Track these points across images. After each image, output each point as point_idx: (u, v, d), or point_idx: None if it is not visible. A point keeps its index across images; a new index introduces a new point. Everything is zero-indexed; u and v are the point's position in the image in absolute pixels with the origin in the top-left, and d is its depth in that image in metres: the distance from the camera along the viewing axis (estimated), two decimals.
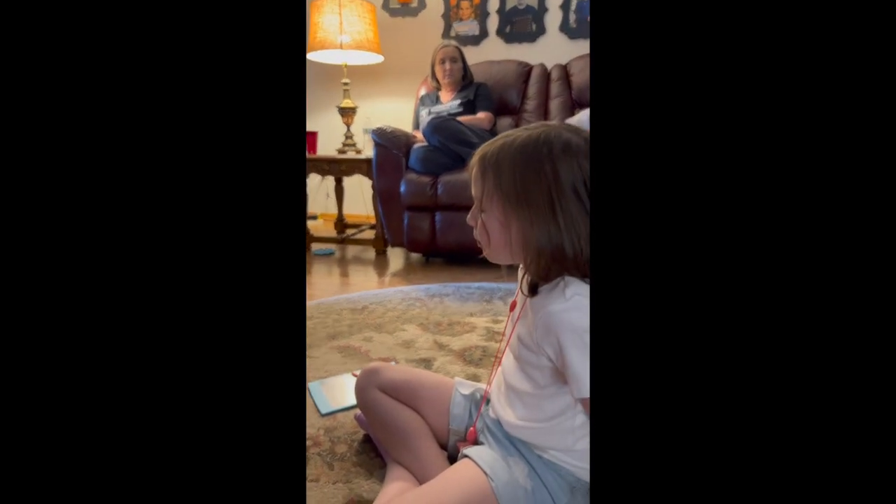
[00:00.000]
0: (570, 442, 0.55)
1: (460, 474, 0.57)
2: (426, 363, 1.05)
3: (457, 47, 2.16)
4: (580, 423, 0.54)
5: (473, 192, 0.57)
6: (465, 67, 2.18)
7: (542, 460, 0.56)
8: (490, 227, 0.55)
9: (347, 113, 2.39)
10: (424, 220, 1.93)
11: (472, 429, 0.64)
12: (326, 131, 2.80)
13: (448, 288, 1.64)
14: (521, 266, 0.58)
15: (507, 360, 0.61)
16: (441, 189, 1.87)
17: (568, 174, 0.51)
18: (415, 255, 2.21)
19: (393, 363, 0.98)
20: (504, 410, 0.59)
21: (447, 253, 2.05)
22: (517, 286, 0.59)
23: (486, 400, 0.65)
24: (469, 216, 0.58)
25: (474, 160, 0.57)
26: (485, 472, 0.55)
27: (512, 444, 0.58)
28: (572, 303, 0.50)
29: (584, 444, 0.55)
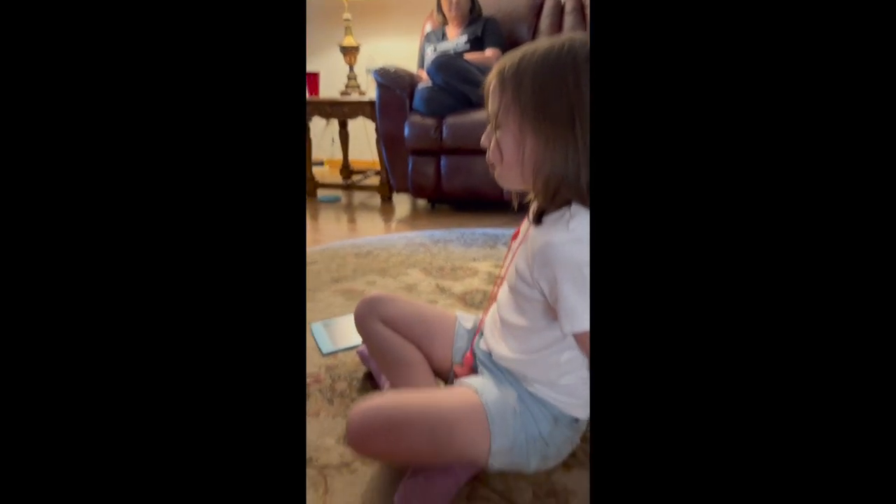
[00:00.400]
0: (553, 376, 0.55)
1: (453, 390, 0.59)
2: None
3: None
4: (566, 359, 0.55)
5: (489, 108, 0.53)
6: (474, 1, 2.04)
7: (528, 392, 0.57)
8: (504, 145, 0.52)
9: (349, 52, 2.28)
10: (429, 165, 1.89)
11: (468, 354, 0.65)
12: (328, 72, 2.69)
13: (452, 234, 1.63)
14: (531, 195, 0.56)
15: (503, 292, 0.61)
16: (446, 131, 1.81)
17: (588, 90, 0.48)
18: (421, 202, 2.18)
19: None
20: (497, 344, 0.60)
21: (453, 199, 2.02)
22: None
23: (480, 332, 0.66)
24: (483, 137, 0.55)
25: (492, 74, 0.53)
26: (475, 390, 0.56)
27: (502, 374, 0.59)
28: (573, 235, 0.48)
29: (569, 379, 0.55)
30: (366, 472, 0.59)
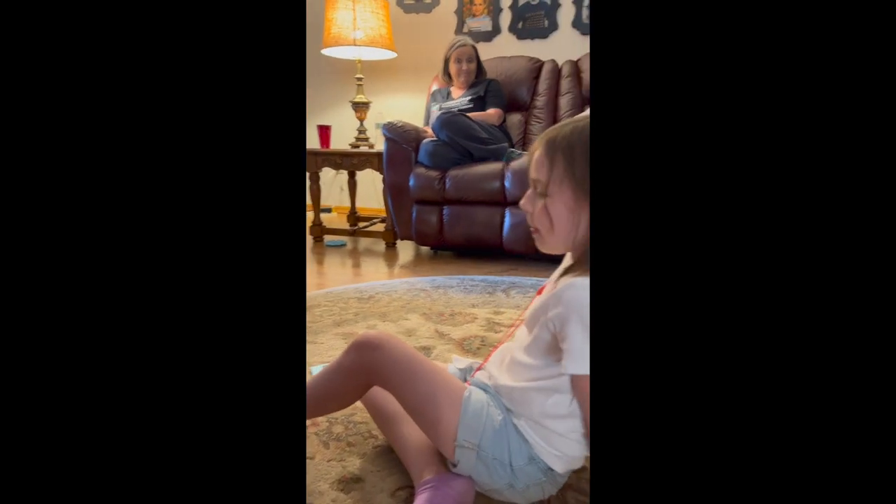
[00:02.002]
0: (537, 415, 0.57)
1: (452, 376, 0.63)
2: (426, 350, 1.08)
3: (473, 46, 2.16)
4: (552, 402, 0.56)
5: (534, 175, 0.57)
6: (479, 66, 2.20)
7: (513, 423, 0.59)
8: (555, 214, 0.55)
9: (360, 108, 2.43)
10: (433, 214, 1.96)
11: (466, 383, 0.67)
12: (340, 126, 2.84)
13: (453, 280, 1.66)
14: (567, 256, 0.60)
15: (520, 332, 0.64)
16: (449, 183, 1.89)
17: None
18: (424, 248, 2.24)
19: None
20: (499, 375, 0.63)
21: (455, 246, 2.08)
22: (538, 279, 0.61)
23: (482, 368, 0.68)
24: (525, 201, 0.59)
25: (538, 143, 0.57)
26: (467, 392, 0.60)
27: (496, 399, 0.61)
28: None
29: (553, 424, 0.57)
30: None
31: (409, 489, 0.62)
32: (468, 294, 1.51)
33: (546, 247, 0.59)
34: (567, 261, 0.62)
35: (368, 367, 0.61)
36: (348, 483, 0.65)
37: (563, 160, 0.54)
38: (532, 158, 0.58)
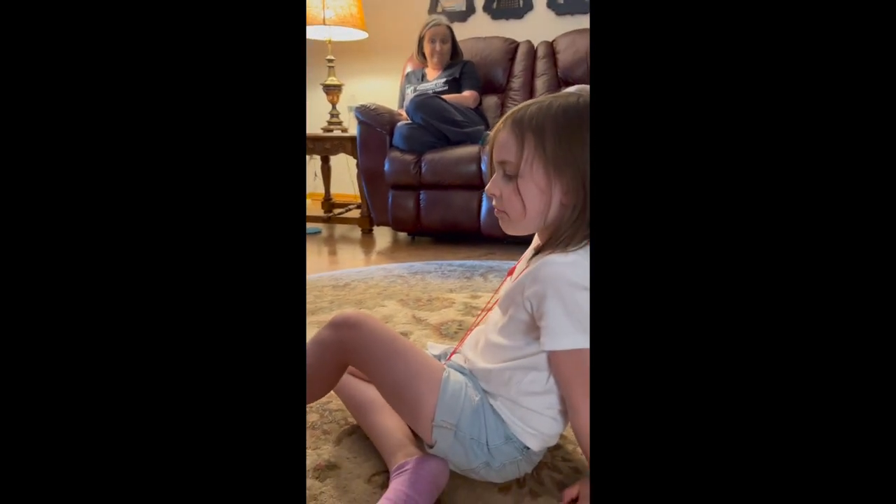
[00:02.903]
0: (514, 393, 0.57)
1: (430, 357, 0.62)
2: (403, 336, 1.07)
3: (448, 27, 2.12)
4: (529, 380, 0.56)
5: (500, 156, 0.55)
6: (455, 47, 2.15)
7: (490, 404, 0.59)
8: (527, 194, 0.54)
9: (332, 90, 2.36)
10: (409, 199, 1.94)
11: (448, 358, 0.66)
12: (311, 109, 2.76)
13: (430, 265, 1.65)
14: (536, 236, 0.59)
15: (493, 313, 0.64)
16: (425, 167, 1.87)
17: None
18: (402, 235, 2.21)
19: None
20: (475, 357, 0.63)
21: (432, 232, 2.06)
22: (515, 262, 0.60)
23: (457, 351, 0.68)
24: (491, 185, 0.57)
25: (503, 123, 0.56)
26: (445, 372, 0.59)
27: (473, 381, 0.61)
28: (570, 258, 0.52)
29: (530, 402, 0.57)
30: None
31: (385, 474, 0.62)
32: (446, 279, 1.50)
33: (514, 229, 0.58)
34: (537, 240, 0.61)
35: (345, 345, 0.59)
36: (324, 471, 0.64)
37: (532, 139, 0.53)
38: (496, 140, 0.56)
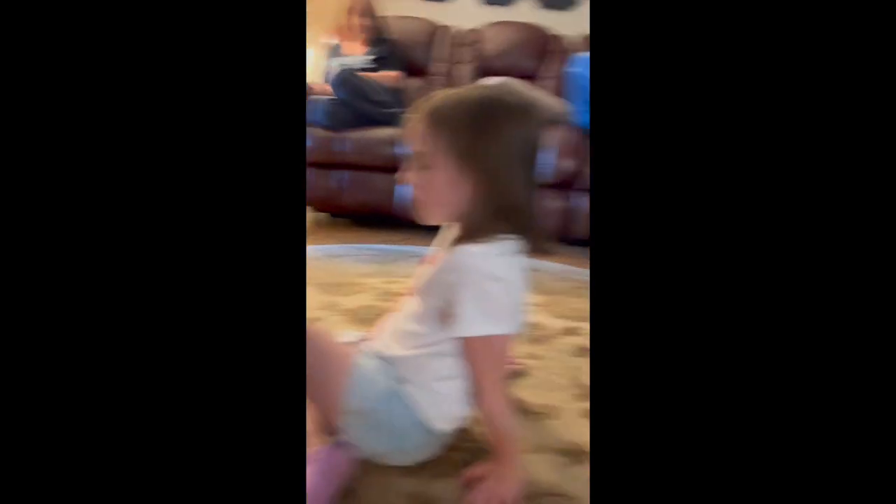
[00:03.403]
0: (428, 378, 0.59)
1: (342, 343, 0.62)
2: (313, 322, 1.04)
3: (370, 1, 2.03)
4: (444, 365, 0.58)
5: (416, 147, 0.55)
6: (378, 22, 2.08)
7: (403, 391, 0.59)
8: (437, 186, 0.54)
9: None
10: (330, 178, 1.86)
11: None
12: None
13: (348, 249, 1.62)
14: (447, 225, 0.59)
15: (409, 301, 0.64)
16: (348, 146, 1.80)
17: (519, 135, 0.53)
18: (322, 215, 2.13)
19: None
20: (388, 345, 0.63)
21: (352, 213, 2.01)
22: (431, 247, 0.60)
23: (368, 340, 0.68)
24: (405, 174, 0.57)
25: (417, 115, 0.55)
26: (356, 358, 0.59)
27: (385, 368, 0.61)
28: (485, 249, 0.53)
29: (442, 386, 0.59)
30: None
31: None
32: (362, 264, 1.48)
33: (427, 218, 0.59)
34: (455, 231, 0.62)
35: None
36: None
37: (446, 132, 0.54)
38: (412, 130, 0.56)
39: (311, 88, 1.94)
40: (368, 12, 2.02)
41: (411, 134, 0.56)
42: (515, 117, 0.54)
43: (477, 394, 0.58)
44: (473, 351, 0.56)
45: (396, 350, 0.61)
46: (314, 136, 1.82)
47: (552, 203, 1.77)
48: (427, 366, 0.59)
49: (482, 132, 0.54)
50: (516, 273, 0.56)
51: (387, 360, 0.62)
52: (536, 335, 1.06)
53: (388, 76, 1.98)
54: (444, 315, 0.57)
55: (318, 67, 2.19)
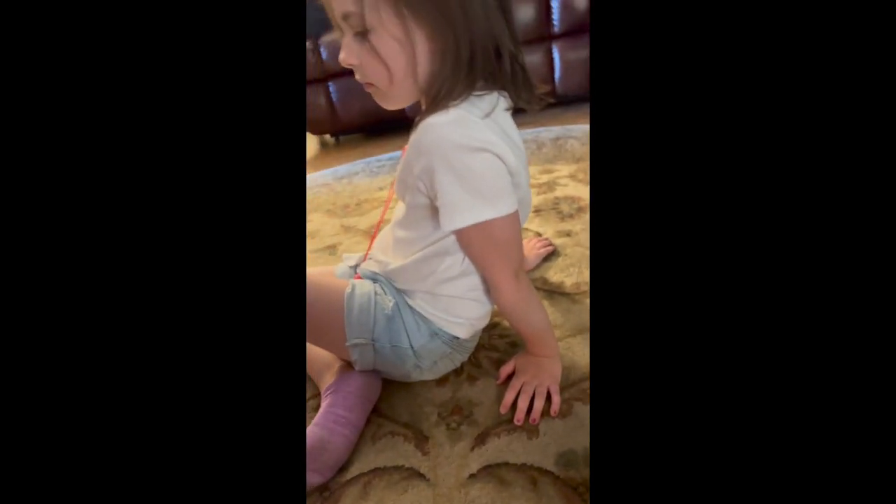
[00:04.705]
0: (431, 284, 0.52)
1: (331, 280, 0.57)
2: (330, 249, 1.00)
3: None
4: (446, 265, 0.51)
5: (340, 8, 0.41)
6: None
7: (407, 304, 0.55)
8: (386, 53, 0.42)
9: None
10: (318, 95, 1.71)
11: (356, 276, 0.61)
12: None
13: (357, 166, 1.52)
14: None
15: (397, 210, 0.56)
16: (325, 53, 1.61)
17: None
18: (327, 138, 2.01)
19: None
20: (384, 257, 0.57)
21: (356, 128, 1.87)
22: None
23: (368, 258, 0.62)
24: (344, 52, 0.43)
25: None
26: (351, 285, 0.54)
27: (385, 285, 0.56)
28: (451, 116, 0.42)
29: (449, 289, 0.53)
30: None
31: (318, 398, 0.59)
32: (375, 177, 1.39)
33: (391, 101, 0.47)
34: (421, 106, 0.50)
35: None
36: None
37: None
38: None
39: None
40: None
41: None
42: None
43: (490, 288, 0.51)
44: (471, 243, 0.48)
45: (394, 262, 0.55)
46: None
47: (567, 55, 1.52)
48: (428, 270, 0.52)
49: None
50: (501, 136, 0.44)
51: (387, 276, 0.56)
52: (567, 210, 0.95)
53: None
54: (432, 211, 0.48)
55: None
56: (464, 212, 0.44)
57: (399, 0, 0.40)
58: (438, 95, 0.43)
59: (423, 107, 0.48)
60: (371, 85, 0.46)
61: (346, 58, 0.44)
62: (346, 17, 0.42)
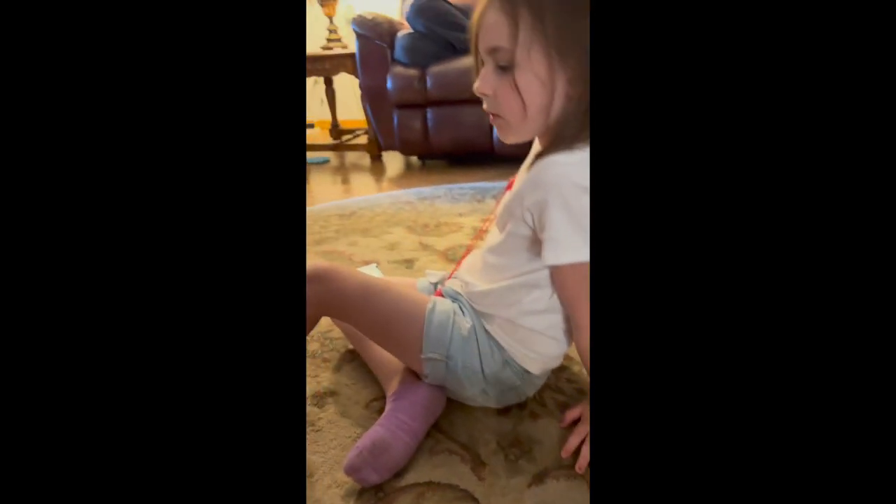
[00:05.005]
0: (514, 314, 0.53)
1: (413, 293, 0.59)
2: (408, 263, 1.04)
3: None
4: (532, 298, 0.52)
5: (489, 43, 0.45)
6: None
7: (484, 328, 0.56)
8: (526, 88, 0.44)
9: (327, 2, 2.15)
10: (416, 119, 1.81)
11: (437, 290, 0.63)
12: (308, 26, 2.55)
13: (440, 190, 1.58)
14: (536, 140, 0.51)
15: (490, 234, 0.58)
16: (431, 82, 1.72)
17: None
18: (414, 160, 2.12)
19: (374, 266, 0.98)
20: (471, 278, 0.58)
21: (444, 154, 1.96)
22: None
23: (453, 276, 0.64)
24: (480, 82, 0.46)
25: (488, 2, 0.45)
26: (432, 300, 0.56)
27: (466, 306, 0.58)
28: (576, 157, 0.44)
29: (531, 321, 0.53)
30: (330, 431, 0.59)
31: (383, 400, 0.61)
32: (455, 203, 1.44)
33: (514, 135, 0.49)
34: (537, 146, 0.53)
35: (317, 301, 0.54)
36: (322, 397, 0.64)
37: (528, 16, 0.43)
38: (482, 23, 0.45)
39: (398, 24, 1.86)
40: None
41: (484, 28, 0.45)
42: None
43: (574, 328, 0.51)
44: (569, 280, 0.48)
45: (480, 285, 0.56)
46: (397, 76, 1.76)
47: None
48: (514, 299, 0.53)
49: (572, 10, 0.42)
50: None
51: (470, 298, 0.57)
52: None
53: None
54: (531, 242, 0.50)
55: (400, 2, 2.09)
56: (569, 249, 0.45)
57: (551, 44, 0.43)
58: (566, 136, 0.45)
59: (542, 145, 0.51)
60: (498, 117, 0.49)
61: (481, 87, 0.47)
62: (493, 50, 0.45)
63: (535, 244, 0.48)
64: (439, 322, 0.54)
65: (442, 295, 0.62)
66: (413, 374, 0.59)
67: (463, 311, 0.57)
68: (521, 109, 0.46)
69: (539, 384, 0.60)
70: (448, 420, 0.58)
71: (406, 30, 1.79)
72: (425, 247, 1.12)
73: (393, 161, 2.14)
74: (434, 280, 0.67)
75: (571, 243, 0.44)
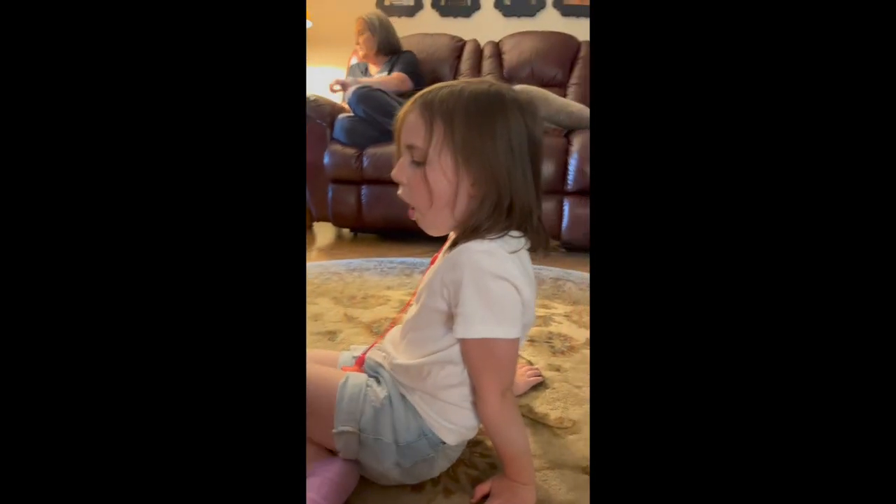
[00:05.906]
0: (430, 387, 0.56)
1: (329, 370, 0.60)
2: (331, 335, 1.03)
3: (367, 19, 2.08)
4: (446, 373, 0.55)
5: (408, 140, 0.52)
6: (386, 38, 2.11)
7: (402, 397, 0.58)
8: (434, 183, 0.51)
9: None
10: (350, 194, 1.89)
11: (361, 356, 0.64)
12: None
13: (370, 262, 1.62)
14: (451, 233, 0.57)
15: (411, 309, 0.62)
16: (367, 162, 1.83)
17: (519, 129, 0.52)
18: (345, 231, 2.16)
19: None
20: (393, 352, 0.61)
21: (375, 229, 2.02)
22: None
23: (376, 346, 0.66)
24: (397, 170, 0.54)
25: (412, 105, 0.53)
26: (345, 375, 0.57)
27: (384, 377, 0.60)
28: (488, 247, 0.51)
29: (448, 395, 0.56)
30: None
31: None
32: (384, 276, 1.48)
33: (427, 224, 0.56)
34: (456, 231, 0.60)
35: None
36: None
37: (442, 125, 0.51)
38: (405, 122, 0.54)
39: (339, 106, 1.99)
40: (363, 29, 2.07)
41: (406, 126, 0.53)
42: (515, 111, 0.52)
43: (477, 399, 0.55)
44: (474, 354, 0.53)
45: (400, 358, 0.59)
46: (335, 153, 1.86)
47: (576, 210, 1.72)
48: (431, 374, 0.56)
49: (478, 127, 0.51)
50: (522, 272, 0.53)
51: (392, 370, 0.60)
52: (559, 346, 1.01)
53: (391, 78, 2.00)
54: (447, 317, 0.54)
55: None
56: (476, 324, 0.50)
57: (458, 151, 0.52)
58: (477, 229, 0.53)
59: (455, 235, 0.58)
60: (412, 208, 0.56)
61: (397, 174, 0.55)
62: (411, 146, 0.53)
63: (450, 320, 0.53)
64: (351, 395, 0.56)
65: (363, 363, 0.63)
66: (326, 450, 0.59)
67: (380, 382, 0.59)
68: (429, 200, 0.53)
69: (454, 457, 0.62)
70: (360, 498, 0.57)
71: (347, 113, 1.92)
72: (350, 318, 1.13)
73: (324, 231, 2.16)
74: (356, 354, 0.69)
75: (479, 319, 0.50)
